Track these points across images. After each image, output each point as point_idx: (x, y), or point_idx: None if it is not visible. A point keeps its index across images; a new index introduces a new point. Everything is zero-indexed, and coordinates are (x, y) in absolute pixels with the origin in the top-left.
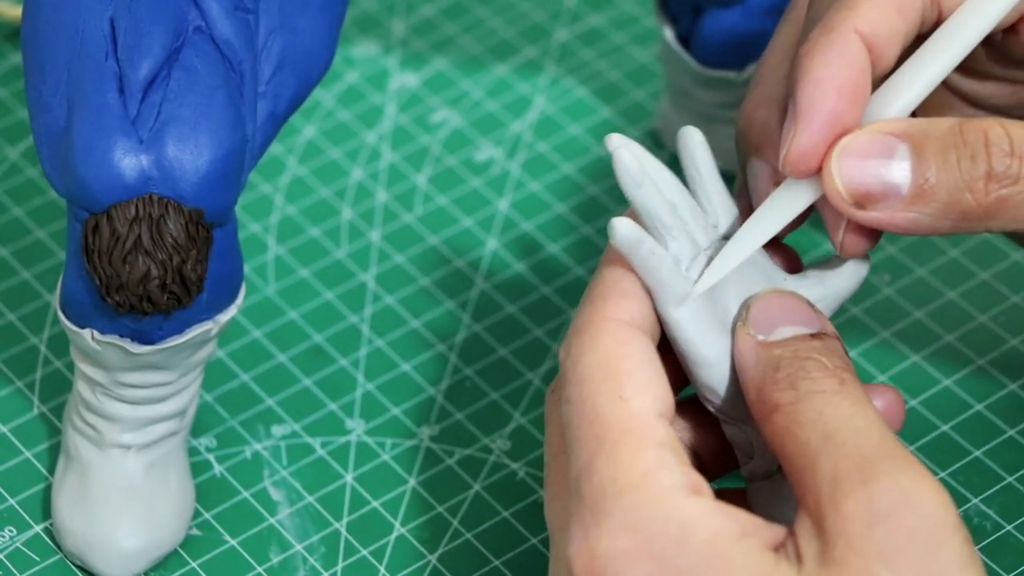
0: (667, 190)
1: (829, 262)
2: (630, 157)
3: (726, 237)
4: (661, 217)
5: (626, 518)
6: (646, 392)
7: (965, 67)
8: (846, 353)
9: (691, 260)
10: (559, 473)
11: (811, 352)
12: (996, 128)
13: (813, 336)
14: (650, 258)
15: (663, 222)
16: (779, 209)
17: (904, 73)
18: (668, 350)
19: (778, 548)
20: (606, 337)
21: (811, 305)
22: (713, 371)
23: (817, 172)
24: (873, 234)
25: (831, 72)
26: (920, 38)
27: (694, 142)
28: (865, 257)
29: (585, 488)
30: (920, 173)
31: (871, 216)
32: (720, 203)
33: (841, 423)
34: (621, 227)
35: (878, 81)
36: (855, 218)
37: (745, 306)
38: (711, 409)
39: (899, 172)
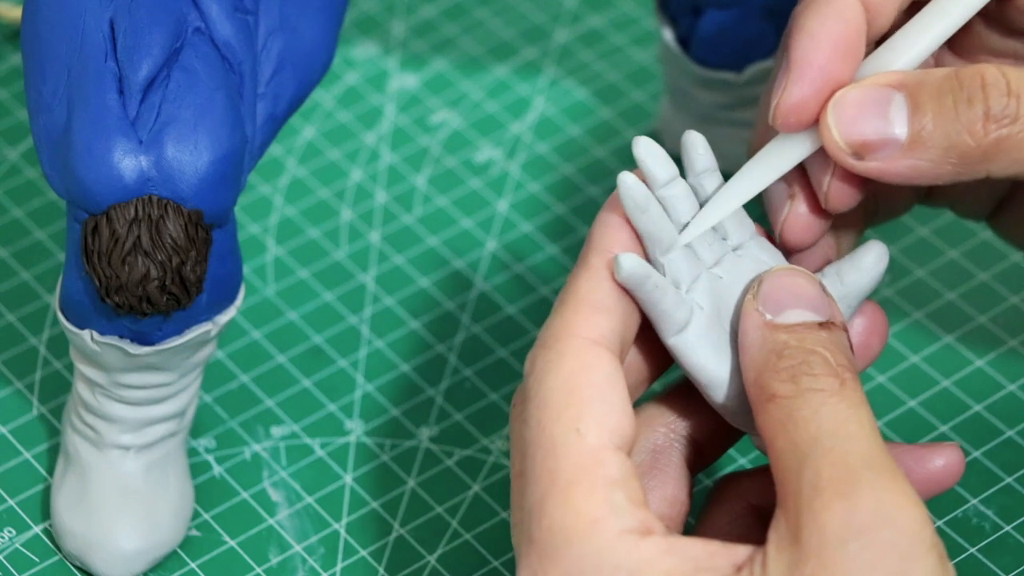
0: (680, 207)
1: (847, 259)
2: (634, 182)
3: (736, 249)
4: (663, 242)
5: (573, 568)
6: (604, 424)
7: (957, 44)
8: (851, 347)
9: (692, 280)
10: (518, 496)
11: (817, 345)
12: (992, 70)
13: (821, 325)
14: (654, 292)
15: (663, 247)
16: (768, 163)
17: (900, 37)
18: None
19: (741, 568)
20: (570, 358)
21: (823, 288)
22: (722, 390)
23: (806, 126)
24: (860, 186)
25: (825, 27)
26: (916, 5)
27: (696, 150)
28: (884, 252)
29: (535, 530)
30: (917, 119)
31: (871, 166)
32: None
33: (834, 426)
34: (627, 263)
35: (872, 44)
36: (855, 169)
37: (758, 279)
38: (726, 418)
39: (896, 120)
